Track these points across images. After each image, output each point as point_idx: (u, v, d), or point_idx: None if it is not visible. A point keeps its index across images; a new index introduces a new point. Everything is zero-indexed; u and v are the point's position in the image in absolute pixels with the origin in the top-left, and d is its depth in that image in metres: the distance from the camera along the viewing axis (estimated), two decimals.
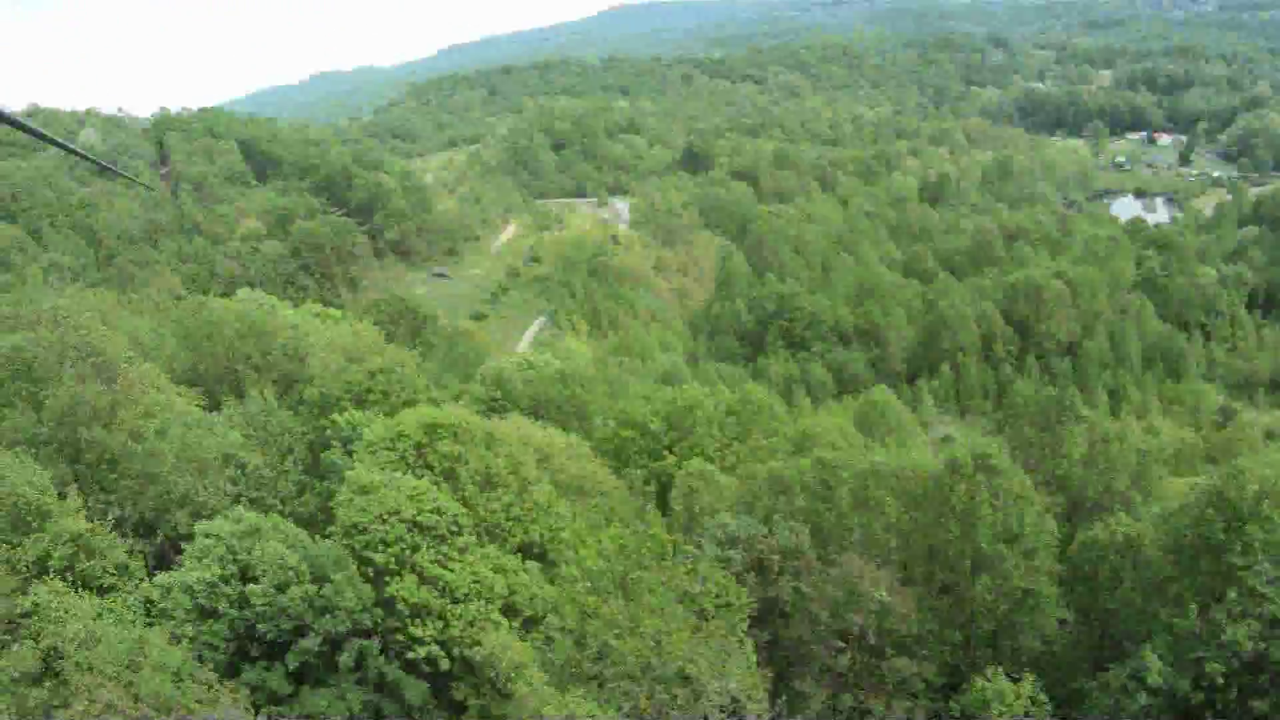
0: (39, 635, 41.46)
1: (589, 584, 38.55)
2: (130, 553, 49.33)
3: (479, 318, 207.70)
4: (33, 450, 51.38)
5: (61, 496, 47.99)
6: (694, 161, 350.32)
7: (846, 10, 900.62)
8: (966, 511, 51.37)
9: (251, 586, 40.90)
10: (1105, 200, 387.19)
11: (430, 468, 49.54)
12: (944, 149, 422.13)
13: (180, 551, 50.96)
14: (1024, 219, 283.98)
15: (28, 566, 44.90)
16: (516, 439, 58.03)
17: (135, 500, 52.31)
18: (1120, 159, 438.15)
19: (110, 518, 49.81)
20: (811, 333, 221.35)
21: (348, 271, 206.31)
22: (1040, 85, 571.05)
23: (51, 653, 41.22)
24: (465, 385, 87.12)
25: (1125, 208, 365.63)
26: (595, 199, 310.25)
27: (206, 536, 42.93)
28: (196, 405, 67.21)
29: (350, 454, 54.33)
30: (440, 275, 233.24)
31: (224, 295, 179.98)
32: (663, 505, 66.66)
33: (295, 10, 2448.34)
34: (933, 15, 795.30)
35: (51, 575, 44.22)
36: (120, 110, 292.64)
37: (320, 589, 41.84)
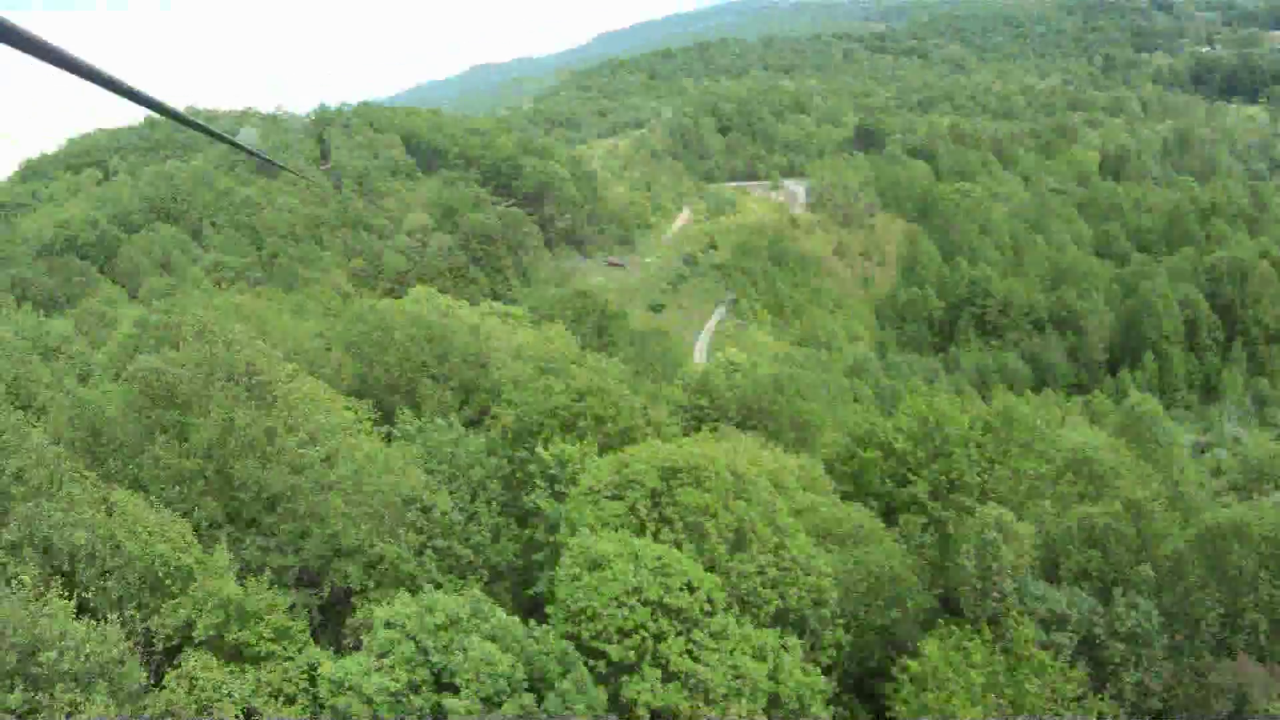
0: None
1: None
2: (292, 608, 40.16)
3: (657, 308, 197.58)
4: (178, 488, 42.47)
5: (210, 544, 39.02)
6: (866, 140, 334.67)
7: None
8: None
9: (451, 700, 30.27)
10: None
11: (669, 523, 38.62)
12: (1119, 119, 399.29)
13: (351, 607, 42.04)
14: (1215, 193, 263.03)
15: (168, 638, 35.95)
16: (749, 464, 46.99)
17: (297, 547, 43.01)
18: None
19: (268, 568, 40.65)
20: (1005, 320, 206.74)
21: (519, 263, 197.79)
22: (1210, 49, 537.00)
23: None
24: (659, 388, 76.47)
25: None
26: (768, 181, 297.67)
27: (389, 627, 32.34)
28: (367, 420, 58.56)
29: (558, 496, 43.93)
30: (615, 264, 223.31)
31: (392, 291, 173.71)
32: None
33: (448, 4, 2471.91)
34: None
35: (196, 647, 35.45)
36: (279, 108, 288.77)
37: (542, 700, 31.09)
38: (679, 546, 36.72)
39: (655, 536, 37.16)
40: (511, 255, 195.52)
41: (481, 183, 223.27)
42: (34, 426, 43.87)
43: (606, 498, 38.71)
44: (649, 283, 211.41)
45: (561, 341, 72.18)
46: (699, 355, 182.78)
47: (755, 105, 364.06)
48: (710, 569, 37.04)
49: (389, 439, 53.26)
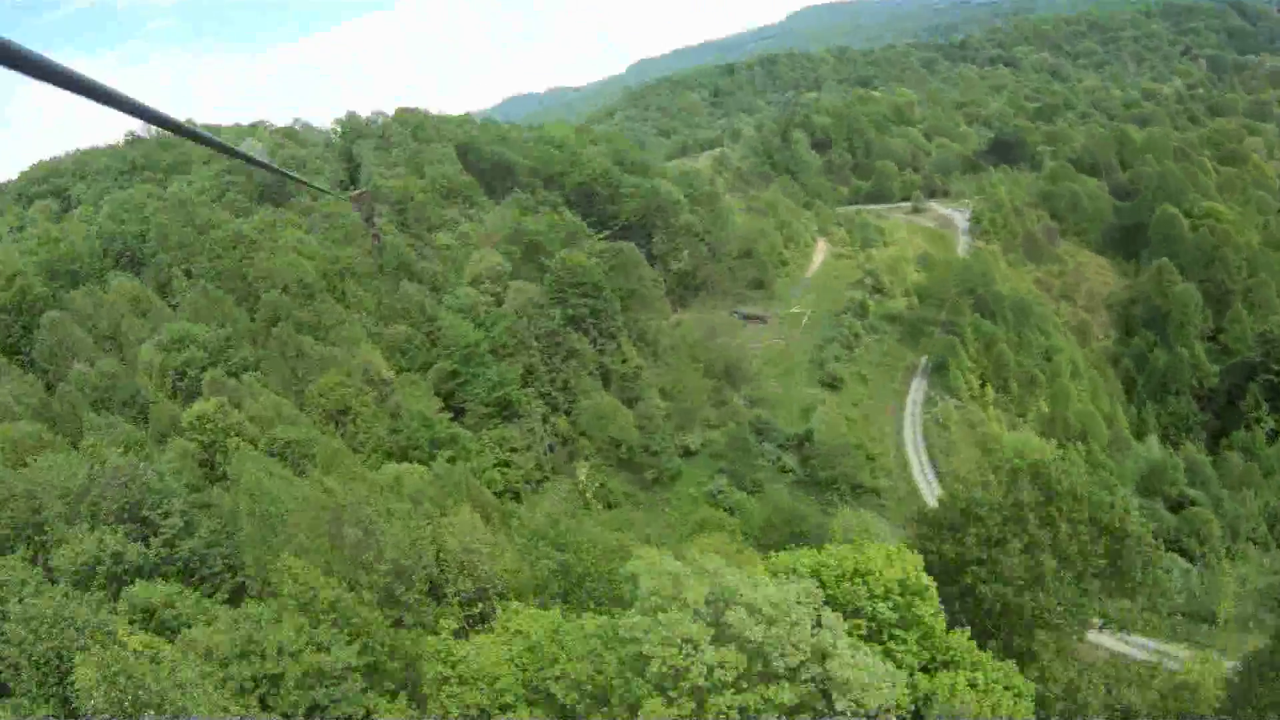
0: None
1: None
2: None
3: (833, 385, 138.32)
4: None
5: None
6: (1006, 153, 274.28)
7: None
8: None
9: None
10: None
11: None
12: (1272, 124, 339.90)
13: None
14: None
15: None
16: None
17: None
18: None
19: None
20: None
21: (636, 321, 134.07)
22: None
23: None
24: None
25: None
26: (907, 204, 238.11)
27: None
28: None
29: None
30: (753, 319, 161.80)
31: (455, 375, 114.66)
32: None
33: (478, 35, 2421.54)
34: None
35: None
36: (296, 121, 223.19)
37: None
38: None
39: None
40: (626, 311, 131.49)
41: (568, 209, 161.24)
42: None
43: None
44: (804, 344, 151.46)
45: None
46: (914, 457, 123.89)
47: (853, 117, 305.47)
48: None
49: None
